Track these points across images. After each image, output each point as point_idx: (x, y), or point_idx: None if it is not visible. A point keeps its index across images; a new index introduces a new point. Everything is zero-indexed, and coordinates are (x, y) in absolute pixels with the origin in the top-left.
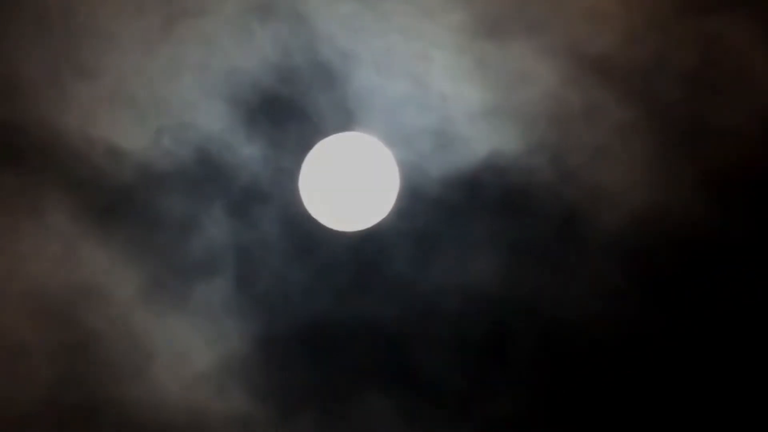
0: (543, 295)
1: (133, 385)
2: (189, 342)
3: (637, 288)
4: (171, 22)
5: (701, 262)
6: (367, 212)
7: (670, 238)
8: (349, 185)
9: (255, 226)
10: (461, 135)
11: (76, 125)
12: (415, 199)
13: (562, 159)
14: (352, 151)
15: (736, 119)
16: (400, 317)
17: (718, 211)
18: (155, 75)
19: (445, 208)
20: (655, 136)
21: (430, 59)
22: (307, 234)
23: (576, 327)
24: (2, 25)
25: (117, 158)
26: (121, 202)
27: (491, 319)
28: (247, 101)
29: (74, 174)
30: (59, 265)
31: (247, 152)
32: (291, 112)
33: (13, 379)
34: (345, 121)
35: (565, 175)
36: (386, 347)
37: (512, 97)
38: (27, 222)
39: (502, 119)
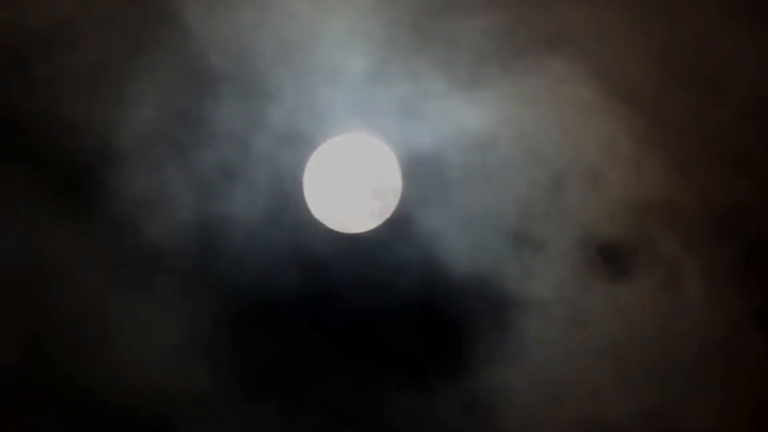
0: None
1: (95, 363)
2: (152, 320)
3: None
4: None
5: None
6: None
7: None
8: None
9: (221, 202)
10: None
11: (39, 104)
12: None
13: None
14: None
15: None
16: (364, 295)
17: None
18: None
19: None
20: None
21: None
22: (272, 211)
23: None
24: None
25: (79, 136)
26: (84, 180)
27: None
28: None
29: (36, 152)
30: (21, 244)
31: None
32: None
33: None
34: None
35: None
36: (350, 325)
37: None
38: None
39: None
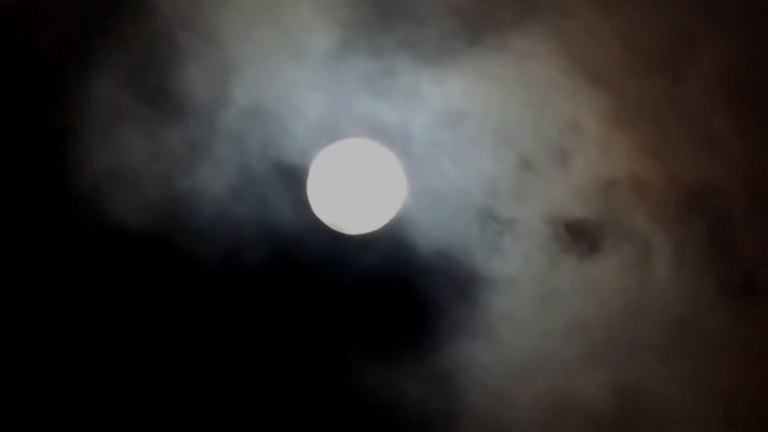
0: None
1: None
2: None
3: None
4: None
5: None
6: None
7: None
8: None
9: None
10: None
11: (3, 80)
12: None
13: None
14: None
15: None
16: (331, 270)
17: None
18: None
19: None
20: None
21: None
22: (238, 186)
23: None
24: None
25: (45, 111)
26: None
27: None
28: None
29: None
30: None
31: None
32: None
33: None
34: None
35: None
36: (317, 300)
37: None
38: None
39: None
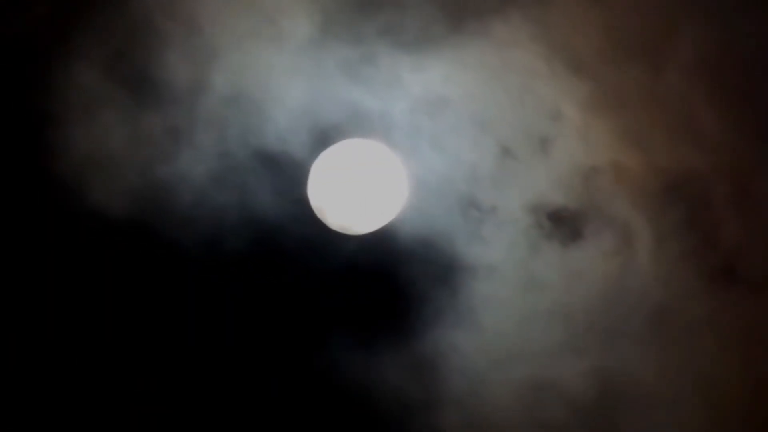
0: None
1: None
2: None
3: None
4: None
5: None
6: None
7: None
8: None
9: None
10: None
11: None
12: None
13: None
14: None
15: None
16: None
17: None
18: None
19: None
20: None
21: None
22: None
23: None
24: None
25: (25, 97)
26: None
27: None
28: None
29: None
30: None
31: None
32: None
33: None
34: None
35: None
36: (299, 287)
37: None
38: None
39: None
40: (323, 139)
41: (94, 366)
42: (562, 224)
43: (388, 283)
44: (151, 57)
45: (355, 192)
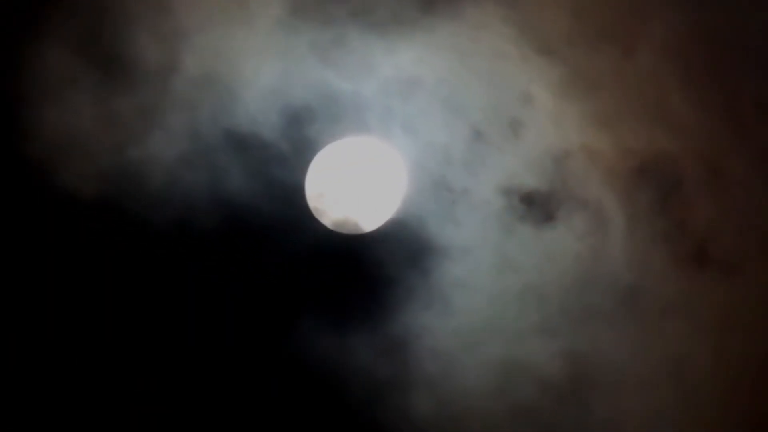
0: None
1: None
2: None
3: None
4: None
5: None
6: None
7: None
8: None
9: None
10: None
11: None
12: None
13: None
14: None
15: None
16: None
17: None
18: None
19: None
20: None
21: None
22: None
23: None
24: None
25: None
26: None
27: None
28: None
29: None
30: None
31: None
32: None
33: None
34: None
35: None
36: (269, 269)
37: None
38: None
39: None
40: (294, 120)
41: (66, 343)
42: (535, 207)
43: (360, 265)
44: (121, 38)
45: (349, 188)
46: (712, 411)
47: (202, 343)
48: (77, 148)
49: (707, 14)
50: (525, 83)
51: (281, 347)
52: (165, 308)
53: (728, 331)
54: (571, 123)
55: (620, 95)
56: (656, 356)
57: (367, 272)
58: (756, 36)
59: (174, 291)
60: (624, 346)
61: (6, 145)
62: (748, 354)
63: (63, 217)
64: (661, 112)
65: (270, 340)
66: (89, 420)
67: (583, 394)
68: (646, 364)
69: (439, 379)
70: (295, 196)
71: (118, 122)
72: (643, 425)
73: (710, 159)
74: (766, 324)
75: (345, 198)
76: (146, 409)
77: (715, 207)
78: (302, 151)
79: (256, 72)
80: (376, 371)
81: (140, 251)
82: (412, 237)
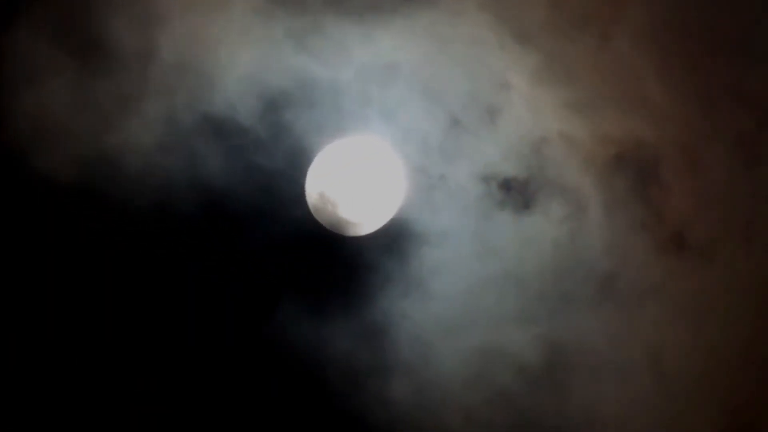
0: None
1: None
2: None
3: None
4: None
5: None
6: None
7: None
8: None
9: None
10: None
11: None
12: None
13: None
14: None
15: None
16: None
17: None
18: None
19: None
20: None
21: None
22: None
23: None
24: None
25: None
26: None
27: None
28: None
29: None
30: None
31: None
32: None
33: None
34: None
35: None
36: (248, 255)
37: None
38: None
39: None
40: (271, 106)
41: (43, 325)
42: (513, 193)
43: (339, 250)
44: (98, 24)
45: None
46: (689, 396)
47: (180, 330)
48: (55, 135)
49: (683, 2)
50: (502, 70)
51: (260, 334)
52: (142, 295)
53: (706, 317)
54: (548, 110)
55: (597, 82)
56: (634, 342)
57: (346, 257)
58: (732, 23)
59: (151, 277)
60: (602, 332)
61: None
62: (725, 340)
63: (41, 203)
64: (638, 99)
65: (248, 327)
66: (65, 394)
67: (561, 380)
68: (623, 349)
69: (418, 365)
70: (273, 181)
71: (95, 108)
72: (621, 411)
73: (687, 146)
74: (743, 310)
75: (342, 198)
76: (121, 390)
77: (692, 193)
78: (279, 136)
79: (233, 58)
80: (355, 358)
81: (118, 237)
82: (391, 224)
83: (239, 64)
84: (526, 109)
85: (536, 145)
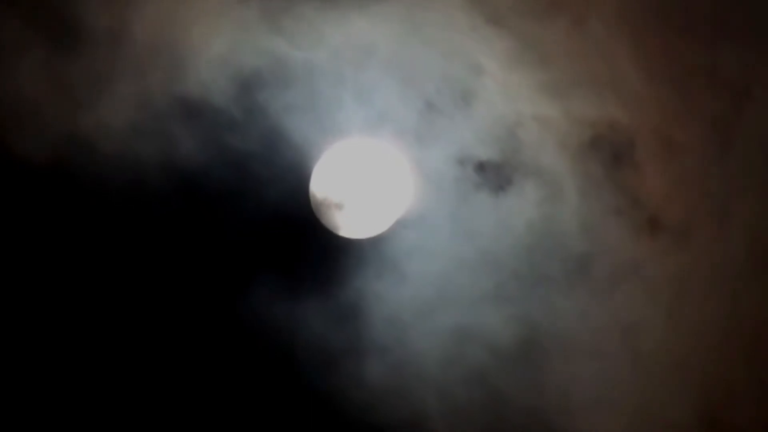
0: None
1: None
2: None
3: None
4: None
5: None
6: None
7: None
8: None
9: None
10: None
11: None
12: None
13: None
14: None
15: None
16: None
17: None
18: None
19: None
20: None
21: None
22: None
23: None
24: None
25: None
26: None
27: None
28: None
29: None
30: None
31: None
32: None
33: None
34: None
35: None
36: (223, 236)
37: None
38: None
39: None
40: (245, 87)
41: (18, 304)
42: (488, 175)
43: (313, 231)
44: (72, 5)
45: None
46: (665, 377)
47: (152, 310)
48: (27, 115)
49: None
50: (476, 54)
51: (234, 314)
52: (116, 275)
53: (681, 299)
54: (522, 93)
55: (571, 65)
56: (608, 323)
57: (321, 238)
58: (706, 4)
59: (125, 258)
60: (577, 313)
61: None
62: (700, 321)
63: (13, 184)
64: (612, 82)
65: (222, 308)
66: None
67: (536, 361)
68: (598, 330)
69: (393, 346)
70: (246, 162)
71: (68, 89)
72: (596, 391)
73: (662, 128)
74: (718, 291)
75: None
76: (90, 363)
77: (667, 175)
78: (253, 117)
79: (207, 40)
80: (330, 339)
81: (92, 218)
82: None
83: (213, 46)
84: (500, 92)
85: (511, 128)
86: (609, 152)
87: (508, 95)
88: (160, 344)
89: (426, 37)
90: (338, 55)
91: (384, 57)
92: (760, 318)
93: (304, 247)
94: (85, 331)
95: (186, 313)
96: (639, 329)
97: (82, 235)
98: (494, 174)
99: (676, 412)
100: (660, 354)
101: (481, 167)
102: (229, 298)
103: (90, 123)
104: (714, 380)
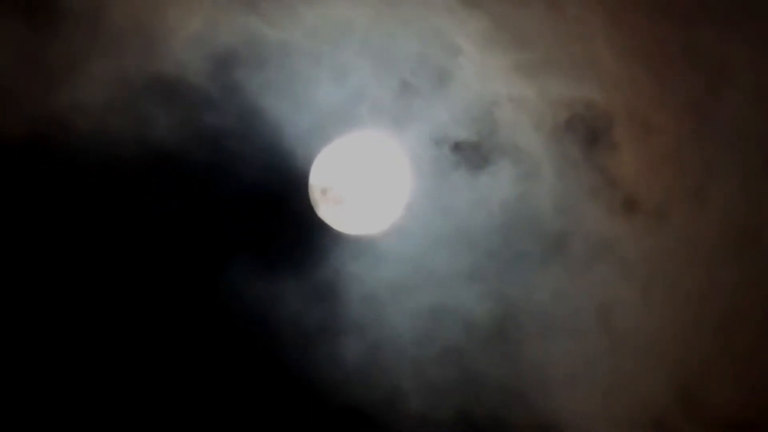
0: None
1: None
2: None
3: None
4: None
5: None
6: None
7: None
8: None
9: None
10: None
11: None
12: None
13: None
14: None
15: None
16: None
17: None
18: None
19: None
20: None
21: None
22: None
23: None
24: None
25: None
26: None
27: None
28: None
29: None
30: None
31: None
32: None
33: None
34: None
35: None
36: (199, 215)
37: None
38: None
39: None
40: (221, 66)
41: None
42: (465, 155)
43: (290, 210)
44: None
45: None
46: (640, 355)
47: (130, 289)
48: (4, 93)
49: None
50: (452, 34)
51: (210, 293)
52: (93, 253)
53: (656, 277)
54: (498, 74)
55: (547, 46)
56: (584, 301)
57: (297, 219)
58: None
59: (102, 235)
60: (552, 291)
61: None
62: (675, 300)
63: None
64: (588, 62)
65: (199, 286)
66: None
67: (511, 338)
68: (574, 308)
69: (369, 324)
70: (223, 140)
71: (44, 67)
72: (571, 368)
73: (638, 108)
74: (693, 270)
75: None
76: (71, 345)
77: (643, 156)
78: (228, 96)
79: (183, 19)
80: (307, 317)
81: (68, 196)
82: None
83: (189, 25)
84: (477, 72)
85: (487, 108)
86: (585, 133)
87: (485, 76)
88: (137, 321)
89: (402, 18)
90: (314, 35)
91: (360, 37)
92: (735, 297)
93: (281, 226)
94: (62, 307)
95: (162, 290)
96: (614, 307)
97: (58, 213)
98: (471, 154)
99: (652, 389)
100: (635, 332)
101: (458, 147)
102: (206, 276)
103: (66, 102)
104: (689, 358)
